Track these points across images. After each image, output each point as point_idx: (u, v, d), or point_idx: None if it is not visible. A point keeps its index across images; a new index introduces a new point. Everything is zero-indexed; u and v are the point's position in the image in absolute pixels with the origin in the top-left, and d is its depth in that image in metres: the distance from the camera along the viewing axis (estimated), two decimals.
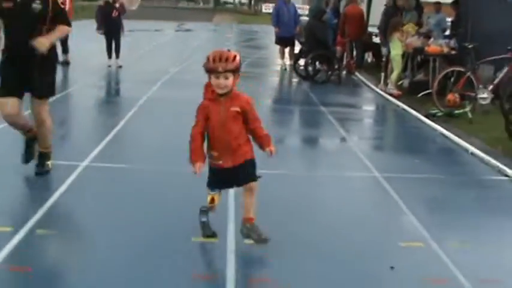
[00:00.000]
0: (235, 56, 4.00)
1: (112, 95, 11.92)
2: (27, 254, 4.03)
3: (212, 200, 4.27)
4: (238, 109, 4.07)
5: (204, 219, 4.34)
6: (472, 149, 7.62)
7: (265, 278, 3.86)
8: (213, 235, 4.35)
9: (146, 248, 4.20)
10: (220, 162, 4.13)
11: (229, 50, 4.08)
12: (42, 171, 5.68)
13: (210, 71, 3.99)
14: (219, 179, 4.24)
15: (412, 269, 4.12)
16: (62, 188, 5.33)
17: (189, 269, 3.92)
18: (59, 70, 13.36)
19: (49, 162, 5.77)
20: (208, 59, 3.99)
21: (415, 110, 10.16)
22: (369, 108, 11.61)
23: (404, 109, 10.44)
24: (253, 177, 4.18)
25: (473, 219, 5.24)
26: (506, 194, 6.13)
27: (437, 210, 5.47)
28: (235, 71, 4.01)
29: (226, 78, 3.97)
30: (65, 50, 14.30)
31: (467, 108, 9.71)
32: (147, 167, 6.14)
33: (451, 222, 5.12)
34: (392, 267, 4.06)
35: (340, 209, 5.29)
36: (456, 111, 9.70)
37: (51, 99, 5.77)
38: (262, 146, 4.21)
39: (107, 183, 5.73)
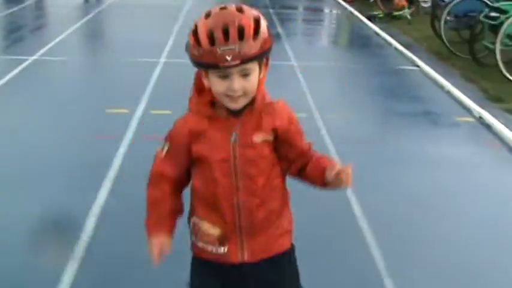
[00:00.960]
0: (257, 23, 1.68)
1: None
2: None
3: None
4: (269, 137, 1.83)
5: None
6: (395, 44, 8.26)
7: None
8: None
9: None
10: (222, 249, 1.87)
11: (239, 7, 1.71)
12: None
13: (205, 64, 1.70)
14: (215, 285, 1.94)
15: None
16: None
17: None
18: None
19: None
20: (195, 34, 1.68)
21: (360, 13, 10.73)
22: (316, 11, 12.11)
23: (351, 12, 11.01)
24: None
25: (364, 99, 5.95)
26: (410, 80, 6.82)
27: (335, 91, 6.18)
28: (262, 56, 1.72)
29: (246, 75, 1.70)
30: None
31: (406, 10, 10.27)
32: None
33: (341, 100, 5.84)
34: None
35: None
36: (395, 13, 10.28)
37: None
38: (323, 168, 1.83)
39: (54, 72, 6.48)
